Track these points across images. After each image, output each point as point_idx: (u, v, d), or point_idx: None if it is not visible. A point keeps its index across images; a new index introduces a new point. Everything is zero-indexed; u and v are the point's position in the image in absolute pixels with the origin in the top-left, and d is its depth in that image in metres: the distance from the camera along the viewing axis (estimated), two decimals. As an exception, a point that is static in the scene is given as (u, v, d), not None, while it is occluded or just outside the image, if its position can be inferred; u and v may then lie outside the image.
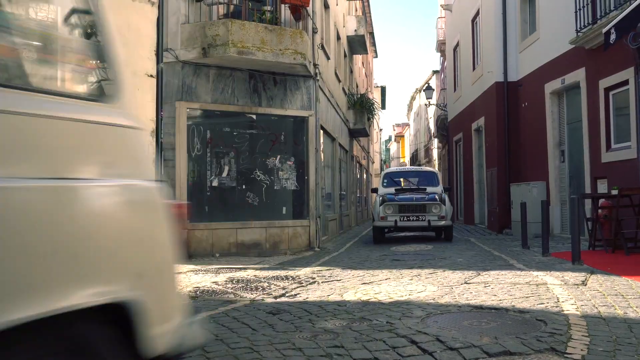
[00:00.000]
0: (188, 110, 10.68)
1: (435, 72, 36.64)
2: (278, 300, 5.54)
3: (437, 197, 12.24)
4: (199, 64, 10.58)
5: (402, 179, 14.80)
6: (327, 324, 4.10)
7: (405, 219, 12.12)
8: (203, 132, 10.95)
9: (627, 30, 8.32)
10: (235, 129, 11.24)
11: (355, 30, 21.74)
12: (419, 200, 12.20)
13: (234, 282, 6.77)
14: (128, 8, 5.02)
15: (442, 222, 12.14)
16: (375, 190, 14.13)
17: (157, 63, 5.36)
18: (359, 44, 23.14)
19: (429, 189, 12.85)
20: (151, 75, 5.24)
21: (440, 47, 29.05)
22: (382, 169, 51.58)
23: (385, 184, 13.79)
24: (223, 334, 3.97)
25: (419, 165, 47.43)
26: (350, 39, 22.09)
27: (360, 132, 21.74)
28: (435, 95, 28.48)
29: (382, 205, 12.27)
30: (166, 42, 10.07)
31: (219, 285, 6.85)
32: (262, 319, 4.42)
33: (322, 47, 14.15)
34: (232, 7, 11.14)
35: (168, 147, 10.25)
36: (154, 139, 5.26)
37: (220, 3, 10.83)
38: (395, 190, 13.26)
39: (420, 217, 12.06)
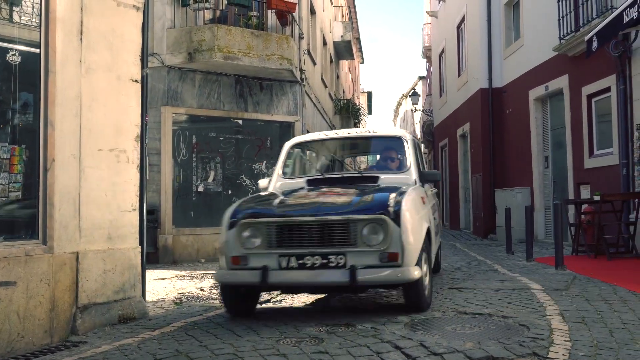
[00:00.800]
0: (174, 115, 10.66)
1: (421, 78, 36.85)
2: (263, 306, 5.53)
3: (389, 200, 4.54)
4: (184, 68, 10.56)
5: (333, 153, 6.88)
6: (311, 329, 4.10)
7: (289, 262, 4.46)
8: (189, 137, 10.92)
9: (609, 38, 8.45)
10: (221, 134, 11.23)
11: (342, 36, 21.85)
12: (329, 213, 4.54)
13: (219, 288, 6.74)
14: (113, 13, 5.00)
15: (387, 272, 4.37)
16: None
17: (142, 68, 5.34)
18: (346, 50, 23.24)
19: (384, 178, 5.47)
20: (136, 81, 5.22)
21: (426, 53, 29.24)
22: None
23: (287, 170, 6.10)
24: (207, 340, 3.96)
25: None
26: (336, 45, 22.18)
27: (346, 137, 21.79)
28: (421, 100, 28.64)
29: (234, 226, 4.61)
30: (152, 47, 10.04)
31: (204, 291, 6.83)
32: (246, 325, 4.40)
33: (309, 53, 14.18)
34: (218, 12, 11.15)
35: (153, 152, 10.21)
36: (139, 144, 5.24)
37: (206, 8, 10.83)
38: (308, 182, 5.66)
39: (326, 258, 4.41)
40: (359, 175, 5.62)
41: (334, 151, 6.66)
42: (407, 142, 5.73)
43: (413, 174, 5.47)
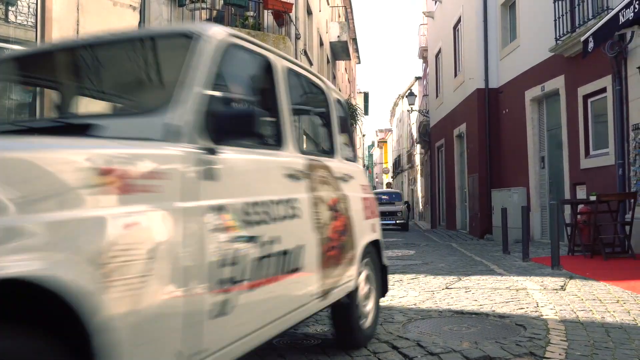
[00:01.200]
0: (170, 115, 10.63)
1: (417, 78, 36.92)
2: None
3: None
4: (181, 69, 10.54)
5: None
6: (309, 329, 4.10)
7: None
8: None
9: (605, 39, 8.47)
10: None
11: (338, 37, 21.85)
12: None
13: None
14: (109, 13, 4.99)
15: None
16: None
17: (139, 68, 5.34)
18: (342, 50, 23.25)
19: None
20: (132, 80, 5.21)
21: (423, 53, 29.27)
22: (365, 175, 51.63)
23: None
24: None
25: (401, 171, 47.70)
26: (333, 45, 22.18)
27: (343, 137, 21.81)
28: (417, 101, 28.68)
29: None
30: (148, 47, 10.02)
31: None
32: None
33: (305, 53, 14.18)
34: (214, 12, 11.14)
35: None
36: None
37: (203, 8, 10.82)
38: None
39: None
40: (58, 124, 2.33)
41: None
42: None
43: (180, 114, 2.03)
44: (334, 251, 3.13)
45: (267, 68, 2.80)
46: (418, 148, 34.70)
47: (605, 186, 9.42)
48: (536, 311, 4.49)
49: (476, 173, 15.58)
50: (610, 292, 5.36)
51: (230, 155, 2.20)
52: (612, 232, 8.79)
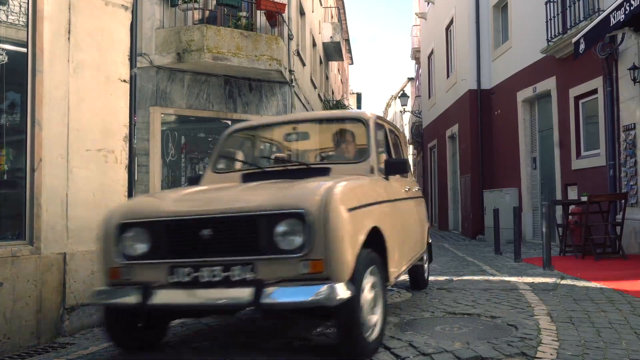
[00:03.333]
0: (162, 115, 10.61)
1: (410, 79, 36.98)
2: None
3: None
4: (173, 69, 10.52)
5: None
6: (301, 332, 4.10)
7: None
8: (177, 138, 10.88)
9: (596, 41, 8.52)
10: (210, 134, 11.20)
11: (331, 37, 21.86)
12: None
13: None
14: (101, 12, 4.97)
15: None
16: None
17: (131, 68, 5.31)
18: (335, 51, 23.26)
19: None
20: (125, 80, 5.19)
21: (415, 54, 29.34)
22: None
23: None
24: (194, 341, 3.95)
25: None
26: (326, 46, 22.19)
27: (335, 138, 21.79)
28: (410, 102, 28.73)
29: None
30: (140, 47, 9.99)
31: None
32: (237, 326, 4.39)
33: (298, 54, 14.18)
34: (207, 12, 11.11)
35: (142, 153, 10.16)
36: (127, 145, 5.21)
37: (195, 8, 10.79)
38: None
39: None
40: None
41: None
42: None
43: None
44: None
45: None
46: (411, 149, 34.76)
47: (597, 187, 9.48)
48: (528, 311, 4.50)
49: (468, 174, 15.62)
50: (601, 292, 5.39)
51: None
52: (603, 232, 8.84)
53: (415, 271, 5.76)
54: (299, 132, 5.25)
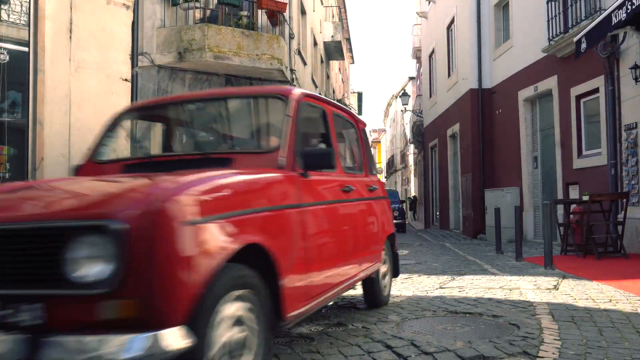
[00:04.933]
0: (163, 114, 10.59)
1: (411, 78, 36.98)
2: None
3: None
4: (174, 68, 10.51)
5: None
6: (303, 329, 4.10)
7: None
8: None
9: (598, 40, 8.51)
10: (211, 133, 11.18)
11: (332, 36, 21.87)
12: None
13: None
14: (103, 11, 4.97)
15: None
16: None
17: (132, 67, 5.32)
18: (336, 50, 23.25)
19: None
20: (126, 79, 5.19)
21: (416, 53, 29.33)
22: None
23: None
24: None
25: (395, 170, 47.55)
26: (326, 45, 22.19)
27: (336, 137, 21.77)
28: (411, 101, 28.72)
29: None
30: (141, 46, 9.98)
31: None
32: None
33: (299, 53, 14.18)
34: (208, 11, 11.11)
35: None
36: (129, 144, 5.21)
37: (196, 7, 10.79)
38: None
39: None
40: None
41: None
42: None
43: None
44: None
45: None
46: (411, 148, 34.78)
47: (598, 186, 9.47)
48: (529, 310, 4.50)
49: (469, 173, 15.61)
50: (603, 291, 5.38)
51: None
52: (605, 231, 8.84)
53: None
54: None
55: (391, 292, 5.67)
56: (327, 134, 3.88)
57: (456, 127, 17.44)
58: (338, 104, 4.40)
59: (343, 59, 28.93)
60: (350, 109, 22.85)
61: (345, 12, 30.24)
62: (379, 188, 4.95)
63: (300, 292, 2.94)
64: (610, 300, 4.88)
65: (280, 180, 2.97)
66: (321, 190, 3.51)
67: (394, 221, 13.87)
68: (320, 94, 20.04)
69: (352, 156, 5.02)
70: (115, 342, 1.85)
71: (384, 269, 4.95)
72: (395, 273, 5.36)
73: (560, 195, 10.96)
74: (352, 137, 4.83)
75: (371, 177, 4.84)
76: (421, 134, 25.88)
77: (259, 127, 3.87)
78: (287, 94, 3.43)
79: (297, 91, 3.49)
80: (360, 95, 42.70)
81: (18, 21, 4.50)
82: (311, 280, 3.11)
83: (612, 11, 7.36)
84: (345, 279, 3.76)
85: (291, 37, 12.78)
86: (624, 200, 8.55)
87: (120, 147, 4.21)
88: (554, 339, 3.54)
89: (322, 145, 3.85)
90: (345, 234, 3.86)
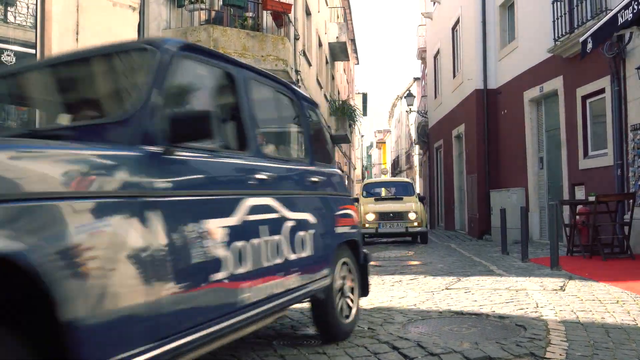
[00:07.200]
0: (169, 116, 10.62)
1: (416, 79, 36.95)
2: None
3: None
4: (180, 69, 10.53)
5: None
6: (309, 330, 4.10)
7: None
8: (184, 138, 10.89)
9: (603, 40, 8.48)
10: (216, 135, 11.20)
11: (337, 37, 21.87)
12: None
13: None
14: (109, 13, 4.98)
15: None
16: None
17: (138, 68, 5.33)
18: (341, 51, 23.26)
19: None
20: (132, 81, 5.21)
21: (421, 54, 29.29)
22: (363, 176, 51.76)
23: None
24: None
25: (400, 171, 47.59)
26: (331, 46, 22.20)
27: (341, 138, 21.82)
28: (416, 102, 28.69)
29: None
30: (147, 48, 10.00)
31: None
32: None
33: (304, 54, 14.19)
34: (213, 13, 11.14)
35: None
36: None
37: (201, 9, 10.81)
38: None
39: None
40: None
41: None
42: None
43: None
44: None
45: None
46: (417, 149, 34.73)
47: (604, 186, 9.43)
48: (536, 312, 4.49)
49: (475, 173, 15.58)
50: (609, 292, 5.36)
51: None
52: (611, 232, 8.80)
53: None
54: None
55: (395, 294, 5.66)
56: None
57: (461, 128, 17.41)
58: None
59: (348, 60, 28.94)
60: (354, 109, 22.86)
61: (350, 13, 30.23)
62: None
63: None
64: (617, 301, 4.86)
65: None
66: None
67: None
68: (325, 95, 20.00)
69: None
70: None
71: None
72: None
73: (566, 196, 10.92)
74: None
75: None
76: (426, 135, 25.84)
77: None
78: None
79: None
80: (365, 96, 42.70)
81: (24, 23, 4.53)
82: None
83: (619, 11, 7.34)
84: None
85: (296, 38, 12.80)
86: (631, 200, 8.51)
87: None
88: (561, 340, 3.53)
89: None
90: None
